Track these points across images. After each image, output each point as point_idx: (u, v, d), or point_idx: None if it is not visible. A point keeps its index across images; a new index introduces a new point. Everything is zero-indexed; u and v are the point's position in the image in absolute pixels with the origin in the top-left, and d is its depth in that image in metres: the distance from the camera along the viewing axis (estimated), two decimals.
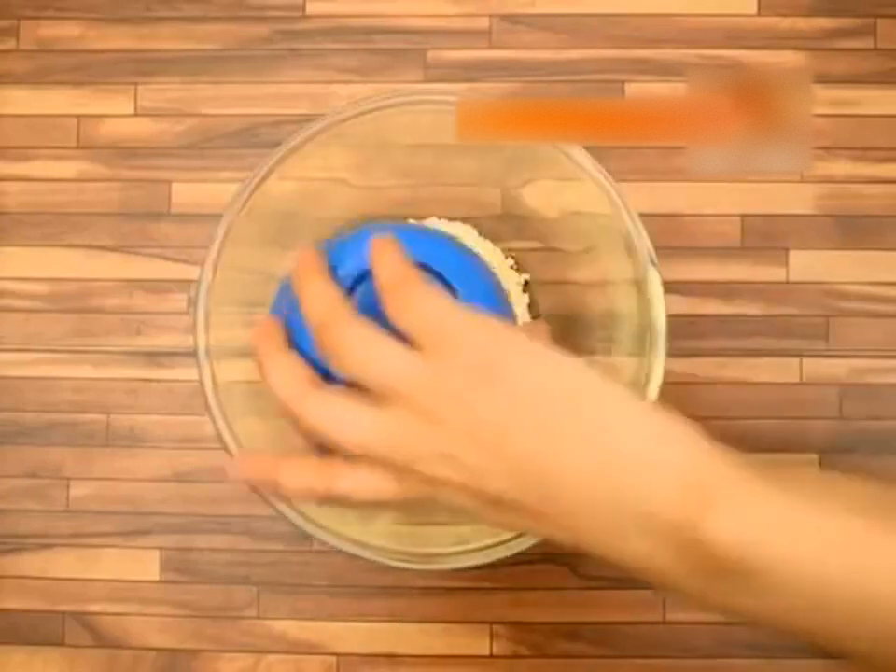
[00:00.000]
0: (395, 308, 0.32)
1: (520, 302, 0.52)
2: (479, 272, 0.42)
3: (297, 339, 0.36)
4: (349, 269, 0.38)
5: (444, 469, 0.31)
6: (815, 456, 0.51)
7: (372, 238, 0.35)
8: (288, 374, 0.34)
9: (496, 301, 0.41)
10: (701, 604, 0.31)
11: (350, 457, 0.33)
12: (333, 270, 0.37)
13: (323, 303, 0.33)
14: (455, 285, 0.39)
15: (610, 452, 0.30)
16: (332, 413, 0.32)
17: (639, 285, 0.42)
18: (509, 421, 0.30)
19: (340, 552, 0.42)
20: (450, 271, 0.39)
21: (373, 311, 0.34)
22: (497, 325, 0.32)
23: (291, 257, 0.49)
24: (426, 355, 0.31)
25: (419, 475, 0.31)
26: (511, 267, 0.52)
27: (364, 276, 0.38)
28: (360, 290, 0.38)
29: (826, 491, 0.30)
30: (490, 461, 0.31)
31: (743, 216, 0.53)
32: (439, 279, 0.38)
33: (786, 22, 0.54)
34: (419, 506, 0.33)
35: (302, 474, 0.34)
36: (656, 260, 0.42)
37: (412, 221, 0.52)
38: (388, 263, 0.34)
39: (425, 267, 0.37)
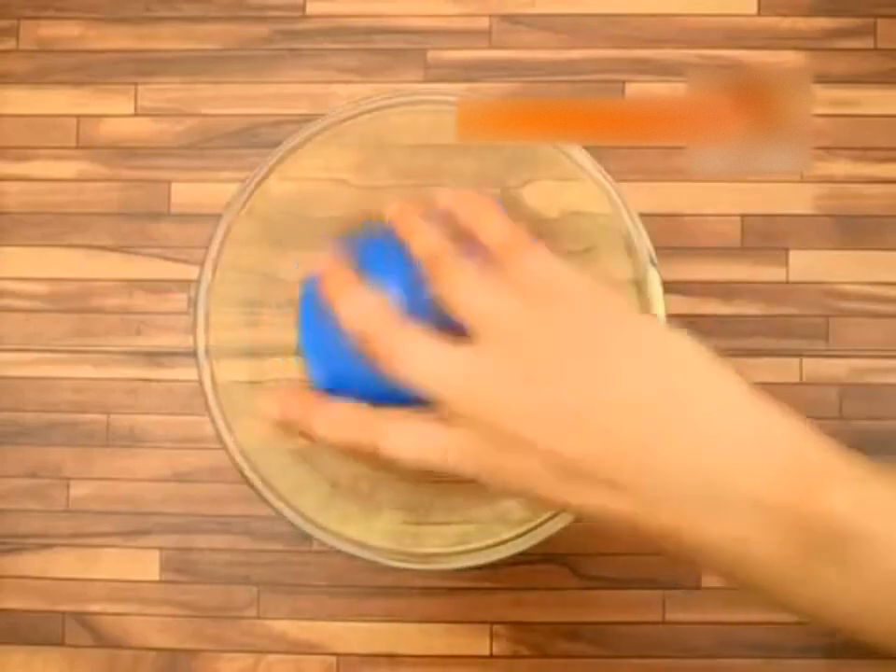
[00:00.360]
0: (512, 262, 0.32)
1: None
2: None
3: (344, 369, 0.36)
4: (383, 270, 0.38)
5: (526, 425, 0.30)
6: None
7: (450, 195, 0.35)
8: (372, 306, 0.33)
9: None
10: (777, 595, 0.30)
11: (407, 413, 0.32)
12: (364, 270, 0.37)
13: (361, 310, 0.33)
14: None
15: (714, 430, 0.29)
16: (424, 351, 0.31)
17: (639, 285, 0.42)
18: (605, 391, 0.30)
19: (339, 552, 0.42)
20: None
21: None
22: (608, 293, 0.32)
23: (293, 258, 0.50)
24: (531, 306, 0.31)
25: (492, 429, 0.30)
26: None
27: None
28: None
29: None
30: (581, 425, 0.29)
31: (743, 216, 0.53)
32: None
33: (786, 22, 0.54)
34: (470, 476, 0.31)
35: (342, 424, 0.33)
36: (656, 260, 0.42)
37: None
38: (491, 222, 0.34)
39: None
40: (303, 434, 0.35)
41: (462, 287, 0.32)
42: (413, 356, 0.31)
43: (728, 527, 0.29)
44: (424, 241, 0.34)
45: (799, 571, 0.29)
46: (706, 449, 0.29)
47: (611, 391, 0.30)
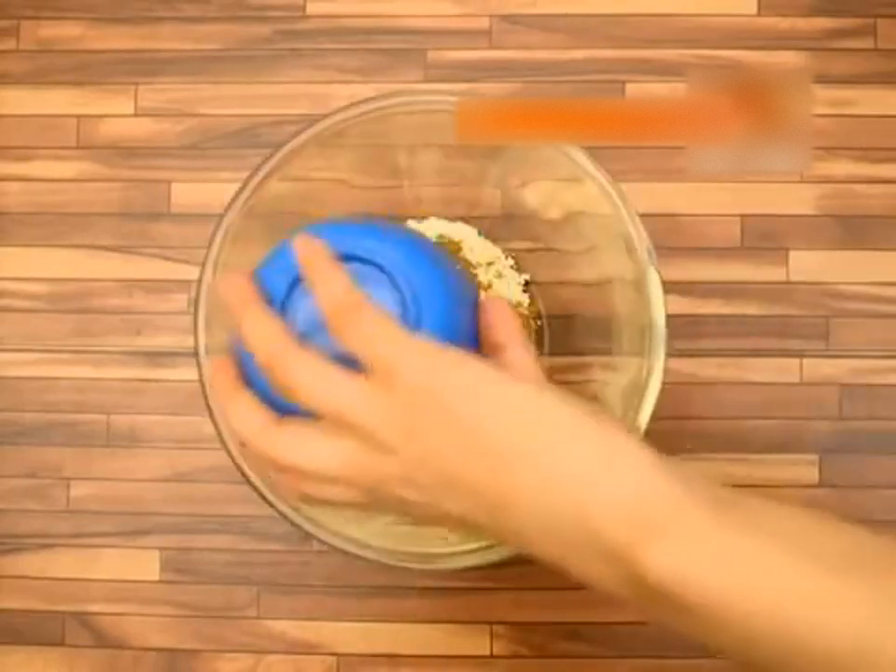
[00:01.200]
0: (341, 333, 0.32)
1: (519, 296, 0.52)
2: (426, 261, 0.39)
3: (251, 372, 0.36)
4: (280, 281, 0.37)
5: (405, 491, 0.32)
6: (815, 457, 0.51)
7: (297, 239, 0.34)
8: (246, 415, 0.34)
9: (445, 292, 0.38)
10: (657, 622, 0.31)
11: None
12: (264, 285, 0.36)
13: (265, 337, 0.33)
14: (395, 276, 0.37)
15: (557, 472, 0.30)
16: (294, 448, 0.33)
17: (639, 285, 0.42)
18: (457, 448, 0.31)
19: (339, 552, 0.42)
20: (391, 262, 0.37)
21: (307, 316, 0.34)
22: (440, 352, 0.32)
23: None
24: (374, 382, 0.32)
25: (386, 494, 0.33)
26: (511, 267, 0.52)
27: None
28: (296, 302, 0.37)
29: (777, 528, 0.30)
30: (445, 487, 0.31)
31: (743, 216, 0.53)
32: (378, 271, 0.36)
33: (786, 23, 0.54)
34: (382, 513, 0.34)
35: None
36: (656, 260, 0.42)
37: (410, 222, 0.51)
38: (326, 281, 0.33)
39: (359, 259, 0.36)
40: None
41: (299, 388, 0.33)
42: (296, 454, 0.33)
43: (581, 561, 0.30)
44: (255, 343, 0.34)
45: (646, 609, 0.30)
46: (553, 490, 0.30)
47: (463, 450, 0.31)
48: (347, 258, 0.35)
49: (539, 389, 0.32)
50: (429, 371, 0.31)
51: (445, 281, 0.38)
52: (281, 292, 0.36)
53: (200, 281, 0.43)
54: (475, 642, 0.51)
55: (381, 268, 0.36)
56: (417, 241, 0.40)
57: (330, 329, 0.33)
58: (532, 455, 0.30)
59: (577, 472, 0.30)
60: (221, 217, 0.43)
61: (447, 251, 0.46)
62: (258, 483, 0.42)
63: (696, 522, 0.29)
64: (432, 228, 0.52)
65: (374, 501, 0.33)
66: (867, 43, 0.54)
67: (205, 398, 0.43)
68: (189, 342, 0.43)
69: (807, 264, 0.53)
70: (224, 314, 0.37)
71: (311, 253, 0.34)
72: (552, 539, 0.31)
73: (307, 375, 0.32)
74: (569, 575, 0.31)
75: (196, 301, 0.43)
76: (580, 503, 0.30)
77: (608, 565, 0.30)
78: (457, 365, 0.32)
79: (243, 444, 0.36)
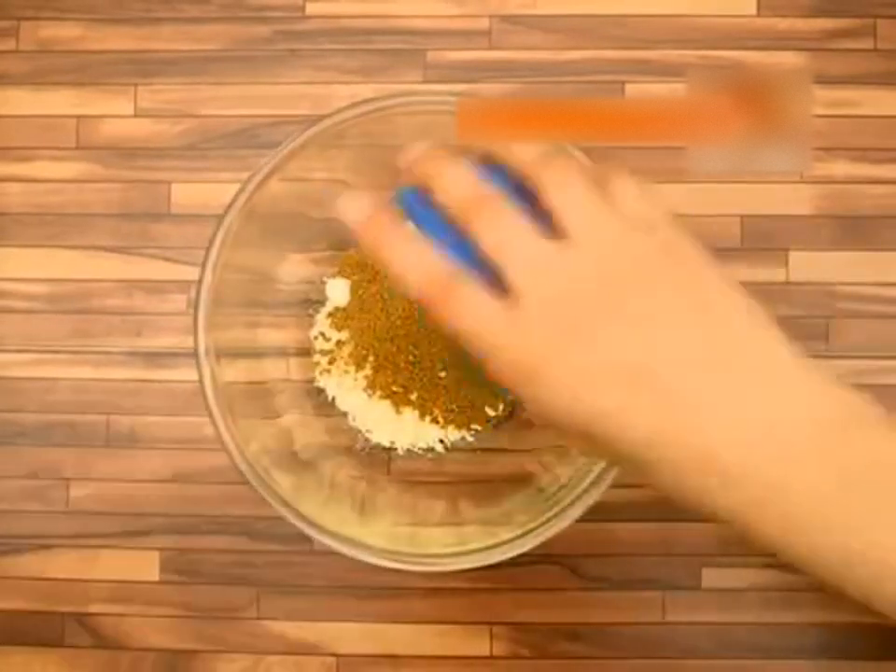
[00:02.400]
0: (555, 186, 0.32)
1: None
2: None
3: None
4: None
5: (581, 341, 0.31)
6: None
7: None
8: (426, 257, 0.33)
9: None
10: (807, 530, 0.31)
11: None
12: None
13: (466, 187, 0.33)
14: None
15: (770, 369, 0.32)
16: (474, 308, 0.32)
17: None
18: (667, 319, 0.31)
19: (339, 553, 0.42)
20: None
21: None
22: (668, 219, 0.33)
23: (293, 259, 0.50)
24: (573, 244, 0.31)
25: (560, 328, 0.31)
26: None
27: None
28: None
29: None
30: (640, 340, 0.31)
31: (743, 216, 0.53)
32: None
33: (785, 23, 0.54)
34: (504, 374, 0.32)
35: (420, 265, 0.33)
36: None
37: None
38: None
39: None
40: (373, 252, 0.34)
41: (501, 236, 0.32)
42: (504, 234, 0.32)
43: (771, 459, 0.30)
44: (454, 191, 0.33)
45: (835, 512, 0.30)
46: (757, 390, 0.31)
47: (668, 321, 0.32)
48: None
49: (752, 301, 0.34)
50: (642, 243, 0.32)
51: None
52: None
53: (200, 281, 0.43)
54: (475, 643, 0.51)
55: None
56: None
57: (537, 179, 0.33)
58: (741, 355, 0.32)
59: (785, 371, 0.32)
60: (221, 217, 0.43)
61: None
62: (258, 483, 0.42)
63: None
64: None
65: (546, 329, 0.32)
66: (867, 43, 0.54)
67: (204, 398, 0.43)
68: (189, 342, 0.43)
69: (807, 264, 0.53)
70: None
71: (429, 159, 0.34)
72: (736, 430, 0.30)
73: (505, 228, 0.32)
74: (704, 461, 0.30)
75: (196, 302, 0.43)
76: (783, 406, 0.31)
77: (808, 457, 0.30)
78: (684, 243, 0.34)
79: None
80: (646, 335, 0.31)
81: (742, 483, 0.30)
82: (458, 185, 0.33)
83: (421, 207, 0.35)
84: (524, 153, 0.34)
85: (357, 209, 0.34)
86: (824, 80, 0.53)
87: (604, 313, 0.31)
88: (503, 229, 0.32)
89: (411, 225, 0.34)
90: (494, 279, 0.32)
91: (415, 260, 0.33)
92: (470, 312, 0.32)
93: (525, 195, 0.33)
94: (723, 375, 0.31)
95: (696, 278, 0.33)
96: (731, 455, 0.30)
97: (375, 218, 0.34)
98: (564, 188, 0.33)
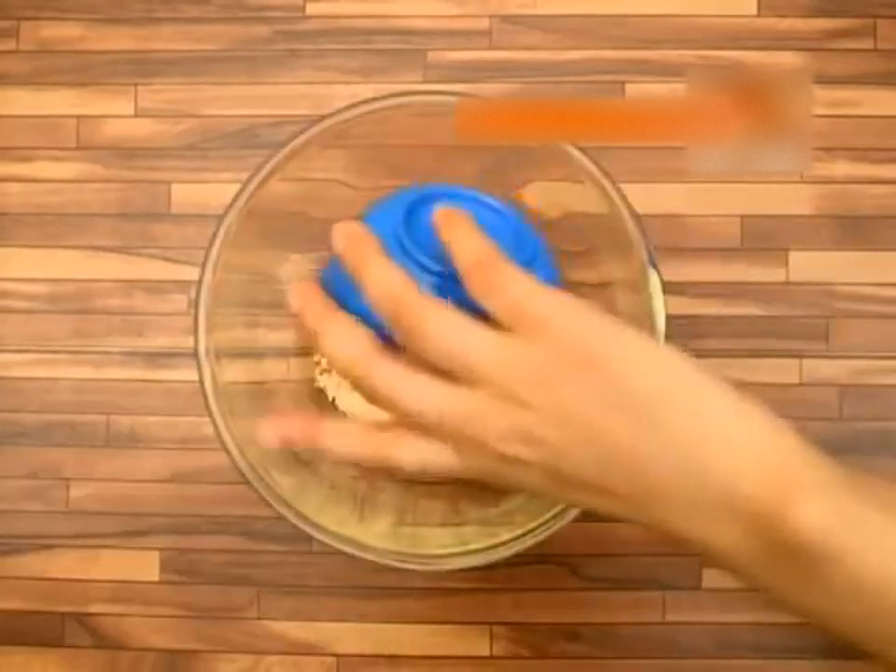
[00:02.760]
0: (480, 289, 0.32)
1: None
2: (527, 234, 0.41)
3: (346, 303, 0.35)
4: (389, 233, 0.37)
5: (522, 447, 0.31)
6: None
7: (438, 210, 0.34)
8: (351, 338, 0.33)
9: (544, 265, 0.40)
10: (766, 594, 0.31)
11: (406, 425, 0.33)
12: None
13: (392, 284, 0.33)
14: (506, 249, 0.38)
15: (700, 437, 0.30)
16: (406, 384, 0.32)
17: (639, 285, 0.42)
18: (597, 406, 0.31)
19: (339, 552, 0.42)
20: (500, 235, 0.38)
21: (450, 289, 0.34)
22: (587, 310, 0.32)
23: (293, 259, 0.50)
24: (512, 336, 0.31)
25: (490, 451, 0.31)
26: None
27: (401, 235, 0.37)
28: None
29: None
30: (574, 443, 0.31)
31: (743, 216, 0.53)
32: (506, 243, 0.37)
33: (785, 23, 0.54)
34: (476, 478, 0.33)
35: (350, 438, 0.34)
36: (656, 261, 0.42)
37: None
38: (466, 240, 0.33)
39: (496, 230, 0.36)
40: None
41: (430, 337, 0.32)
42: (407, 390, 0.32)
43: (708, 529, 0.30)
44: (379, 292, 0.33)
45: (775, 576, 0.30)
46: (696, 455, 0.30)
47: (604, 408, 0.31)
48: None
49: (679, 351, 0.32)
50: (579, 324, 0.31)
51: (544, 254, 0.39)
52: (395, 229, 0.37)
53: (200, 281, 0.43)
54: (475, 643, 0.51)
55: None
56: (513, 214, 0.41)
57: (469, 283, 0.32)
58: (679, 414, 0.30)
59: (722, 435, 0.30)
60: (221, 217, 0.43)
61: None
62: (258, 483, 0.42)
63: (839, 484, 0.30)
64: None
65: (469, 460, 0.32)
66: (867, 43, 0.54)
67: (204, 398, 0.43)
68: (189, 342, 0.43)
69: (807, 264, 0.53)
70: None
71: (447, 214, 0.34)
72: (681, 504, 0.30)
73: (438, 321, 0.32)
74: (680, 540, 0.31)
75: (196, 302, 0.43)
76: (726, 464, 0.30)
77: (740, 524, 0.30)
78: (605, 320, 0.32)
79: (346, 376, 0.34)
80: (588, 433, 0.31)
81: (684, 544, 0.31)
82: (385, 283, 0.33)
83: (347, 284, 0.35)
84: (458, 254, 0.33)
85: (295, 297, 0.35)
86: (824, 80, 0.53)
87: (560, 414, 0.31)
88: (444, 338, 0.32)
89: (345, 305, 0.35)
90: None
91: (345, 343, 0.33)
92: (409, 392, 0.32)
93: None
94: (663, 430, 0.31)
95: (605, 345, 0.32)
96: (667, 522, 0.31)
97: (308, 303, 0.35)
98: (497, 291, 0.32)
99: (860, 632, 0.30)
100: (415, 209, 0.40)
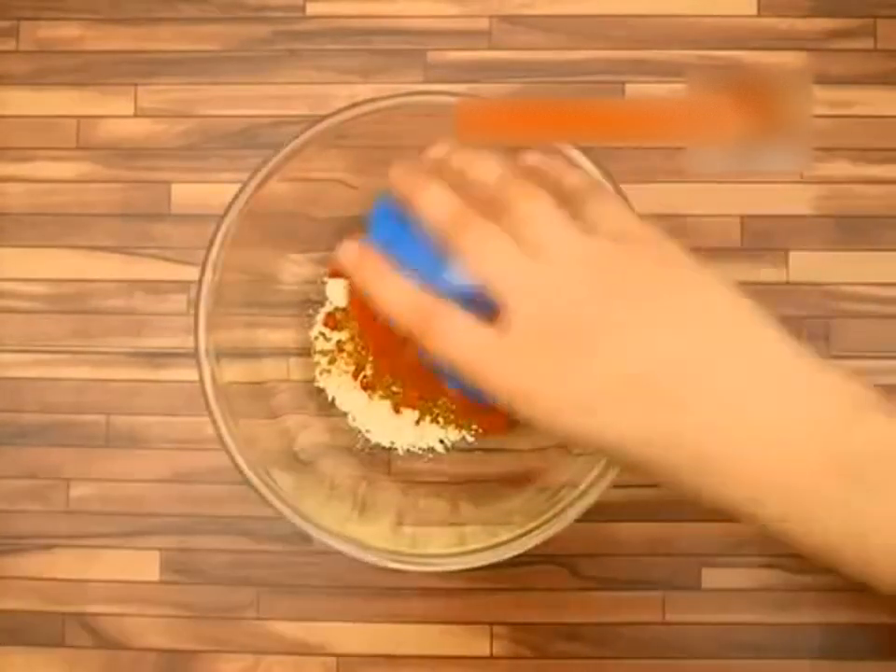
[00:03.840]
0: (525, 201, 0.33)
1: None
2: None
3: (401, 258, 0.35)
4: None
5: (585, 345, 0.31)
6: None
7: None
8: (408, 293, 0.34)
9: None
10: (809, 525, 0.31)
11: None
12: None
13: (450, 204, 0.34)
14: None
15: (768, 365, 0.31)
16: (452, 325, 0.33)
17: None
18: (662, 323, 0.31)
19: (339, 553, 0.42)
20: None
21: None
22: (671, 244, 0.33)
23: (293, 259, 0.50)
24: (552, 260, 0.32)
25: (551, 345, 0.32)
26: None
27: None
28: None
29: None
30: (637, 347, 0.31)
31: (743, 216, 0.53)
32: None
33: (786, 23, 0.54)
34: (500, 396, 0.33)
35: (408, 298, 0.34)
36: None
37: None
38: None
39: None
40: (361, 293, 0.36)
41: (484, 251, 0.33)
42: (492, 252, 0.33)
43: (775, 455, 0.30)
44: (437, 209, 0.34)
45: (837, 500, 0.30)
46: (762, 381, 0.31)
47: (668, 324, 0.32)
48: None
49: (732, 289, 0.33)
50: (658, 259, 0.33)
51: None
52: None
53: (200, 282, 0.43)
54: (475, 643, 0.51)
55: None
56: None
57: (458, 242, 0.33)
58: (746, 347, 0.32)
59: (785, 368, 0.31)
60: (221, 217, 0.43)
61: None
62: (258, 483, 0.42)
63: None
64: None
65: (536, 350, 0.32)
66: (867, 43, 0.54)
67: (205, 398, 0.43)
68: (189, 342, 0.43)
69: (807, 264, 0.53)
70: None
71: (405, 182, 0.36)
72: (740, 429, 0.30)
73: (487, 242, 0.33)
74: (722, 469, 0.31)
75: (196, 302, 0.43)
76: (786, 388, 0.31)
77: (810, 451, 0.30)
78: (665, 248, 0.34)
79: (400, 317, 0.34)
80: (640, 343, 0.31)
81: (741, 483, 0.31)
82: (444, 202, 0.34)
83: (395, 223, 0.36)
84: (490, 172, 0.35)
85: (346, 254, 0.36)
86: (824, 80, 0.53)
87: (595, 326, 0.32)
88: (489, 247, 0.33)
89: (394, 259, 0.35)
90: (474, 306, 0.33)
91: (398, 294, 0.34)
92: (458, 341, 0.33)
93: None
94: (722, 376, 0.31)
95: (690, 281, 0.33)
96: (729, 455, 0.30)
97: (361, 259, 0.35)
98: (532, 203, 0.33)
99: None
100: None
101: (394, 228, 0.36)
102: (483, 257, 0.33)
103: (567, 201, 0.34)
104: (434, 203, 0.34)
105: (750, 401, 0.31)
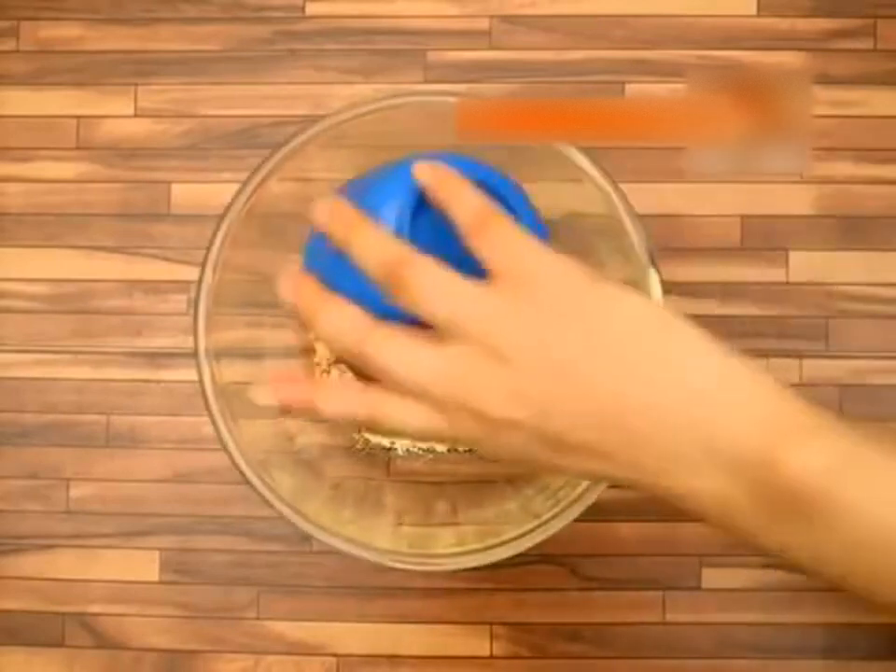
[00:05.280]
0: (478, 242, 0.33)
1: None
2: (526, 197, 0.41)
3: (334, 285, 0.35)
4: (395, 207, 0.38)
5: (508, 405, 0.31)
6: None
7: (418, 165, 0.34)
8: (346, 317, 0.34)
9: (541, 227, 0.41)
10: (755, 542, 0.31)
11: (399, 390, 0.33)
12: (374, 212, 0.36)
13: (382, 248, 0.33)
14: (514, 208, 0.39)
15: (687, 388, 0.30)
16: (399, 350, 0.32)
17: (639, 286, 0.42)
18: (582, 359, 0.31)
19: (339, 553, 0.42)
20: (507, 193, 0.39)
21: (433, 241, 0.34)
22: (576, 266, 0.32)
23: (293, 259, 0.50)
24: (503, 289, 0.32)
25: (477, 413, 0.32)
26: None
27: (414, 212, 0.37)
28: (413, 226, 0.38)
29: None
30: (560, 399, 0.31)
31: (743, 216, 0.53)
32: (497, 200, 0.37)
33: (786, 23, 0.54)
34: (467, 446, 0.33)
35: (344, 396, 0.34)
36: (656, 261, 0.42)
37: None
38: (461, 197, 0.34)
39: (482, 185, 0.36)
40: (302, 413, 0.36)
41: (421, 290, 0.32)
42: (400, 357, 0.33)
43: (703, 482, 0.30)
44: (369, 254, 0.33)
45: (766, 524, 0.30)
46: (684, 406, 0.30)
47: (588, 361, 0.31)
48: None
49: (667, 308, 0.32)
50: (566, 278, 0.32)
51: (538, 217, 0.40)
52: (398, 222, 0.37)
53: (200, 282, 0.43)
54: (475, 643, 0.51)
55: (497, 195, 0.37)
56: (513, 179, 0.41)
57: (468, 238, 0.33)
58: (664, 366, 0.31)
59: (710, 387, 0.30)
60: (221, 217, 0.43)
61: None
62: (258, 483, 0.42)
63: (831, 427, 0.30)
64: None
65: (458, 424, 0.32)
66: (867, 43, 0.54)
67: (204, 398, 0.43)
68: (188, 342, 0.43)
69: (807, 264, 0.53)
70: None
71: (438, 174, 0.34)
72: (671, 458, 0.30)
73: (427, 278, 0.32)
74: (672, 497, 0.31)
75: (196, 302, 0.43)
76: (713, 417, 0.30)
77: (736, 477, 0.30)
78: (592, 276, 0.32)
79: (339, 353, 0.35)
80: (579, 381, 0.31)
81: (681, 502, 0.32)
82: (376, 248, 0.34)
83: (331, 257, 0.35)
84: (456, 210, 0.34)
85: (286, 284, 0.35)
86: (824, 80, 0.53)
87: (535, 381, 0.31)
88: (433, 293, 0.32)
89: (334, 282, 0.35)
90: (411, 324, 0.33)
91: (338, 322, 0.34)
92: (400, 360, 0.33)
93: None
94: (648, 386, 0.31)
95: (598, 307, 0.32)
96: (662, 480, 0.31)
97: (300, 289, 0.35)
98: (493, 246, 0.33)
99: (853, 573, 0.30)
100: (418, 208, 0.40)
101: (328, 257, 0.36)
102: (427, 301, 0.33)
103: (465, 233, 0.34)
104: (369, 249, 0.34)
105: (681, 420, 0.31)
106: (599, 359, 0.31)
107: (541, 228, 0.42)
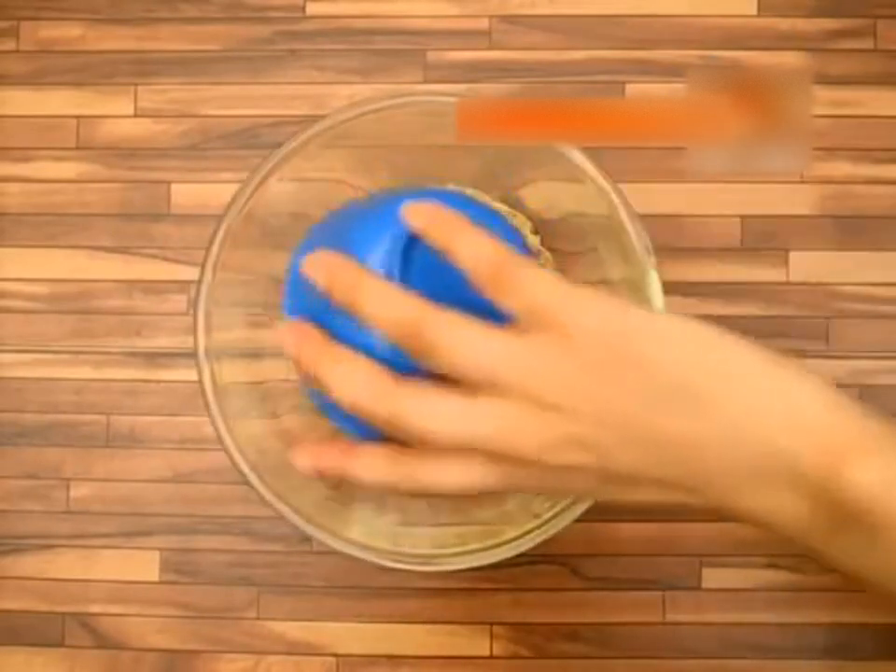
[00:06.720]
0: (496, 290, 0.31)
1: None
2: (508, 231, 0.41)
3: (341, 338, 0.33)
4: (382, 255, 0.37)
5: (570, 454, 0.30)
6: None
7: (408, 208, 0.32)
8: (362, 375, 0.31)
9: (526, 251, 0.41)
10: (820, 557, 0.31)
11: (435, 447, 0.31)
12: (359, 262, 0.34)
13: (395, 308, 0.31)
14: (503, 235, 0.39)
15: (745, 410, 0.30)
16: (432, 410, 0.30)
17: (639, 286, 0.42)
18: (639, 400, 0.30)
19: (339, 553, 0.42)
20: (491, 222, 0.38)
21: (427, 283, 0.33)
22: (610, 303, 0.31)
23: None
24: (536, 339, 0.30)
25: (535, 463, 0.30)
26: None
27: (405, 248, 0.36)
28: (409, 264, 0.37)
29: None
30: (624, 441, 0.30)
31: (743, 216, 0.53)
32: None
33: (786, 23, 0.54)
34: (517, 492, 0.33)
35: (378, 463, 0.32)
36: (656, 261, 0.42)
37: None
38: (465, 241, 0.31)
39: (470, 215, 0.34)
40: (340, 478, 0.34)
41: (449, 348, 0.30)
42: (438, 414, 0.31)
43: (766, 501, 0.30)
44: (383, 315, 0.31)
45: (829, 539, 0.30)
46: (739, 434, 0.30)
47: (643, 399, 0.30)
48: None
49: (706, 324, 0.31)
50: (605, 319, 0.30)
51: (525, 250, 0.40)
52: (388, 265, 0.36)
53: (200, 282, 0.43)
54: (475, 643, 0.51)
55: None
56: (490, 209, 0.42)
57: (485, 288, 0.31)
58: (721, 392, 0.30)
59: (767, 405, 0.30)
60: (221, 217, 0.43)
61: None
62: (258, 483, 0.42)
63: (893, 439, 0.30)
64: None
65: (517, 477, 0.31)
66: (867, 43, 0.54)
67: (204, 398, 0.43)
68: (188, 342, 0.43)
69: (807, 265, 0.53)
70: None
71: (432, 216, 0.32)
72: (738, 477, 0.30)
73: (455, 337, 0.30)
74: (738, 515, 0.31)
75: (196, 302, 0.43)
76: (772, 435, 0.30)
77: (795, 491, 0.30)
78: (629, 311, 0.31)
79: (353, 412, 0.31)
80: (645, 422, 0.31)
81: (741, 518, 0.32)
82: (388, 308, 0.31)
83: (315, 295, 0.33)
84: (465, 257, 0.32)
85: (288, 339, 0.34)
86: (824, 80, 0.53)
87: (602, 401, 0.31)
88: (465, 352, 0.30)
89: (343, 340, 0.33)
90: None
91: (352, 382, 0.31)
92: (437, 421, 0.31)
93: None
94: (707, 409, 0.30)
95: (633, 333, 0.31)
96: (724, 500, 0.31)
97: (301, 344, 0.33)
98: (517, 293, 0.31)
99: None
100: (408, 250, 0.38)
101: (314, 299, 0.34)
102: (464, 359, 0.31)
103: (486, 283, 0.32)
104: (379, 308, 0.31)
105: (740, 441, 0.30)
106: (654, 398, 0.30)
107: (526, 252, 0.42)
